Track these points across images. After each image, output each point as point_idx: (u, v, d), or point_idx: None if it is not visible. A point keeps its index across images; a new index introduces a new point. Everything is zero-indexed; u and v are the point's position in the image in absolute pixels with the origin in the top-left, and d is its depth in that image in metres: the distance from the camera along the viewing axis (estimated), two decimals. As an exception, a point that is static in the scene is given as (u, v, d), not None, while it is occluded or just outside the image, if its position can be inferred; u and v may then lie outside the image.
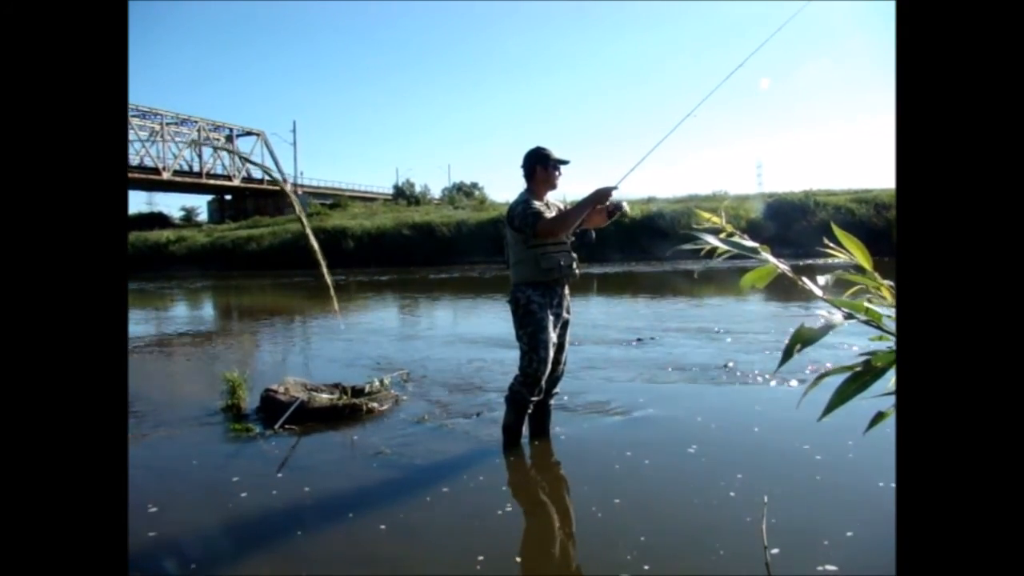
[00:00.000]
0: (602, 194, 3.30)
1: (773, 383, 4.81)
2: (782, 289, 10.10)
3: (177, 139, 45.65)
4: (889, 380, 0.82)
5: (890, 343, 0.85)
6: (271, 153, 51.16)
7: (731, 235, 1.05)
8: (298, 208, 1.36)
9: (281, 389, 4.43)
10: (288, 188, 1.50)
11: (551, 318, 3.39)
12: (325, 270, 1.34)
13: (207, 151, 47.09)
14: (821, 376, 0.87)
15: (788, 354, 0.86)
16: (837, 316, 0.86)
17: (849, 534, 2.37)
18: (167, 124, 44.89)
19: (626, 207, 3.41)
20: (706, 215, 1.13)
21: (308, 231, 1.29)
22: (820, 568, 2.14)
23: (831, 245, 0.94)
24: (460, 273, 21.16)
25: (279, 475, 3.28)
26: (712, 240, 1.02)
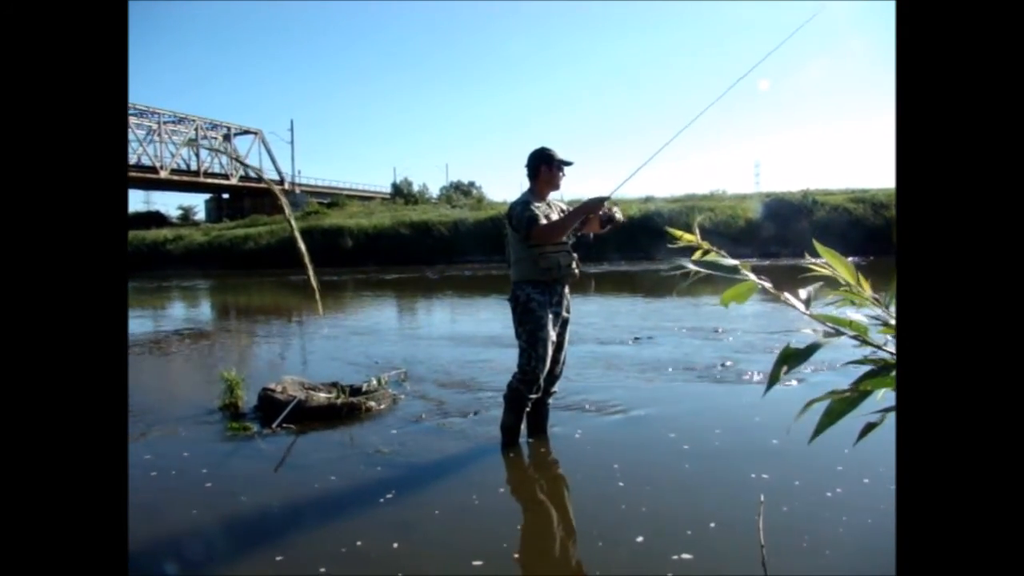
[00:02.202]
0: (594, 204, 3.35)
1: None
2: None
3: (175, 138, 45.53)
4: (879, 398, 0.81)
5: (877, 356, 0.84)
6: (269, 152, 51.08)
7: (707, 252, 0.99)
8: (287, 209, 1.35)
9: (279, 388, 4.42)
10: (276, 188, 1.49)
11: (550, 316, 3.40)
12: (311, 271, 1.34)
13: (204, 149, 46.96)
14: (810, 403, 0.83)
15: (774, 379, 0.84)
16: (824, 331, 0.86)
17: (842, 531, 2.38)
18: (164, 123, 44.76)
19: (618, 215, 3.46)
20: (679, 233, 1.03)
21: (295, 232, 1.29)
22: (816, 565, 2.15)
23: (814, 261, 0.92)
24: (415, 275, 21.15)
25: (276, 474, 3.28)
26: (688, 265, 0.97)
